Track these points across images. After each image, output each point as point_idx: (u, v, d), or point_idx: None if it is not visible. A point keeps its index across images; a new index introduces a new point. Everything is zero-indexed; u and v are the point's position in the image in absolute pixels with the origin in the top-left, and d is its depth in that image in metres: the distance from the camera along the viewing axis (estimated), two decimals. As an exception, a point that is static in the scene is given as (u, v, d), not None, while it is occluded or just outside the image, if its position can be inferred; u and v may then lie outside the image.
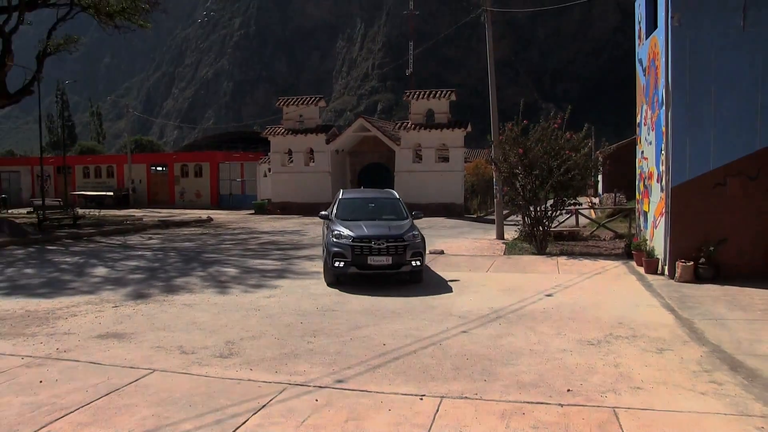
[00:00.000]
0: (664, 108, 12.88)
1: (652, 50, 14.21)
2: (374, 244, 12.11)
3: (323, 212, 14.32)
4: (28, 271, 15.57)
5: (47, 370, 7.31)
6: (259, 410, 6.00)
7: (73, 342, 8.57)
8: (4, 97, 28.25)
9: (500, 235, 21.47)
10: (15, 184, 53.64)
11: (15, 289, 12.93)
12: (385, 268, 12.26)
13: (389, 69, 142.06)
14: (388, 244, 12.10)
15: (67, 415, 5.94)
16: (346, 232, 12.42)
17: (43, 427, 5.68)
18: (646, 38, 15.01)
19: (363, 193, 15.78)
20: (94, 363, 7.60)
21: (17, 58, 28.51)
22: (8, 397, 6.44)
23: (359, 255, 12.14)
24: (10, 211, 40.45)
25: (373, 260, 12.15)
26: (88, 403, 6.23)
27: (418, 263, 12.42)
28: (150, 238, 23.74)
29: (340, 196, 14.59)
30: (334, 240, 12.41)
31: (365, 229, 12.52)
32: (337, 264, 12.26)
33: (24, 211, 38.37)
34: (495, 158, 18.99)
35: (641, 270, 13.89)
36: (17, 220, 26.64)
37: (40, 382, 6.90)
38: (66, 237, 23.71)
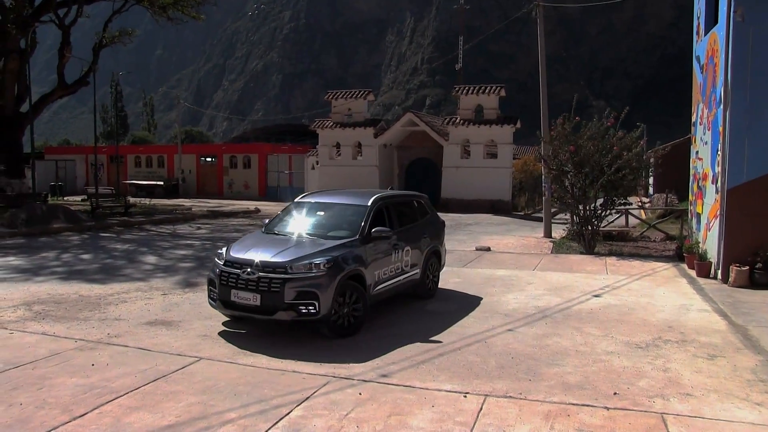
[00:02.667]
0: (722, 107, 12.48)
1: (711, 47, 13.79)
2: (243, 272, 8.26)
3: (268, 220, 10.67)
4: (83, 257, 15.98)
5: (98, 354, 7.50)
6: (303, 402, 6.03)
7: (124, 328, 8.76)
8: (62, 88, 29.14)
9: (548, 234, 21.21)
10: (70, 172, 55.16)
11: (71, 274, 13.30)
12: (253, 310, 8.24)
13: (438, 64, 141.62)
14: (261, 274, 8.14)
15: (117, 398, 6.08)
16: (227, 252, 8.89)
17: (95, 408, 5.81)
18: (705, 34, 14.57)
19: (328, 196, 10.76)
20: (143, 349, 7.76)
21: (74, 50, 29.31)
22: (63, 378, 6.63)
23: (224, 286, 8.42)
24: (65, 198, 41.64)
25: (237, 296, 8.27)
26: (137, 388, 6.35)
27: (312, 309, 8.00)
28: (198, 228, 24.13)
29: (297, 199, 10.86)
30: (215, 260, 8.98)
31: (247, 248, 8.81)
32: (210, 294, 8.83)
33: (78, 198, 39.45)
34: (544, 155, 18.73)
35: (693, 273, 13.52)
36: (72, 208, 27.36)
37: (92, 365, 7.08)
38: (117, 225, 24.28)
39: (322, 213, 10.11)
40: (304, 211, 10.24)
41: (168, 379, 6.64)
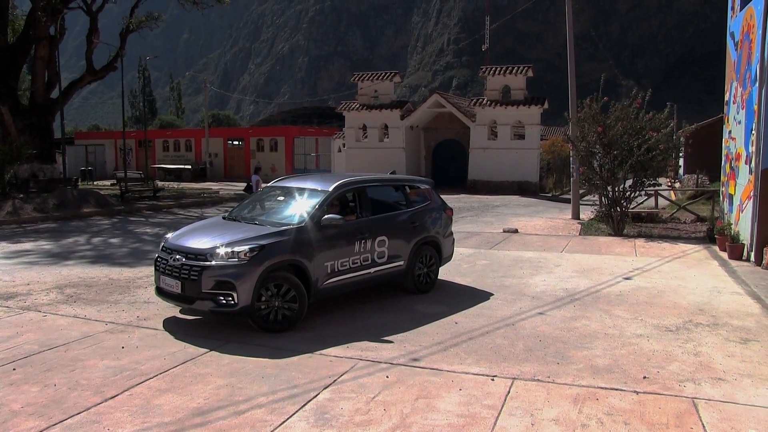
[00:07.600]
0: (757, 85, 12.17)
1: (746, 22, 13.44)
2: (171, 258, 8.01)
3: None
4: (112, 240, 16.20)
5: (128, 337, 7.61)
6: (330, 385, 6.05)
7: (152, 310, 8.87)
8: (91, 74, 29.42)
9: (576, 215, 21.00)
10: (100, 157, 55.82)
11: (101, 258, 13.51)
12: (176, 298, 7.96)
13: (465, 44, 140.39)
14: (184, 261, 7.83)
15: (146, 380, 6.15)
16: (169, 238, 8.63)
17: (125, 390, 5.89)
18: (741, 9, 14.19)
19: (296, 180, 10.08)
20: (172, 332, 7.85)
21: (102, 36, 29.55)
22: (94, 360, 6.73)
23: (157, 272, 8.30)
24: (95, 182, 42.21)
25: (165, 283, 8.05)
26: (166, 371, 6.43)
27: (230, 300, 7.52)
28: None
29: (270, 183, 10.56)
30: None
31: (187, 234, 8.55)
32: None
33: (108, 183, 39.97)
34: (572, 136, 18.48)
35: (724, 255, 13.30)
36: (102, 192, 27.73)
37: (122, 347, 7.17)
38: (146, 208, 24.56)
39: (282, 198, 9.52)
40: (269, 196, 9.88)
41: (196, 362, 6.70)
